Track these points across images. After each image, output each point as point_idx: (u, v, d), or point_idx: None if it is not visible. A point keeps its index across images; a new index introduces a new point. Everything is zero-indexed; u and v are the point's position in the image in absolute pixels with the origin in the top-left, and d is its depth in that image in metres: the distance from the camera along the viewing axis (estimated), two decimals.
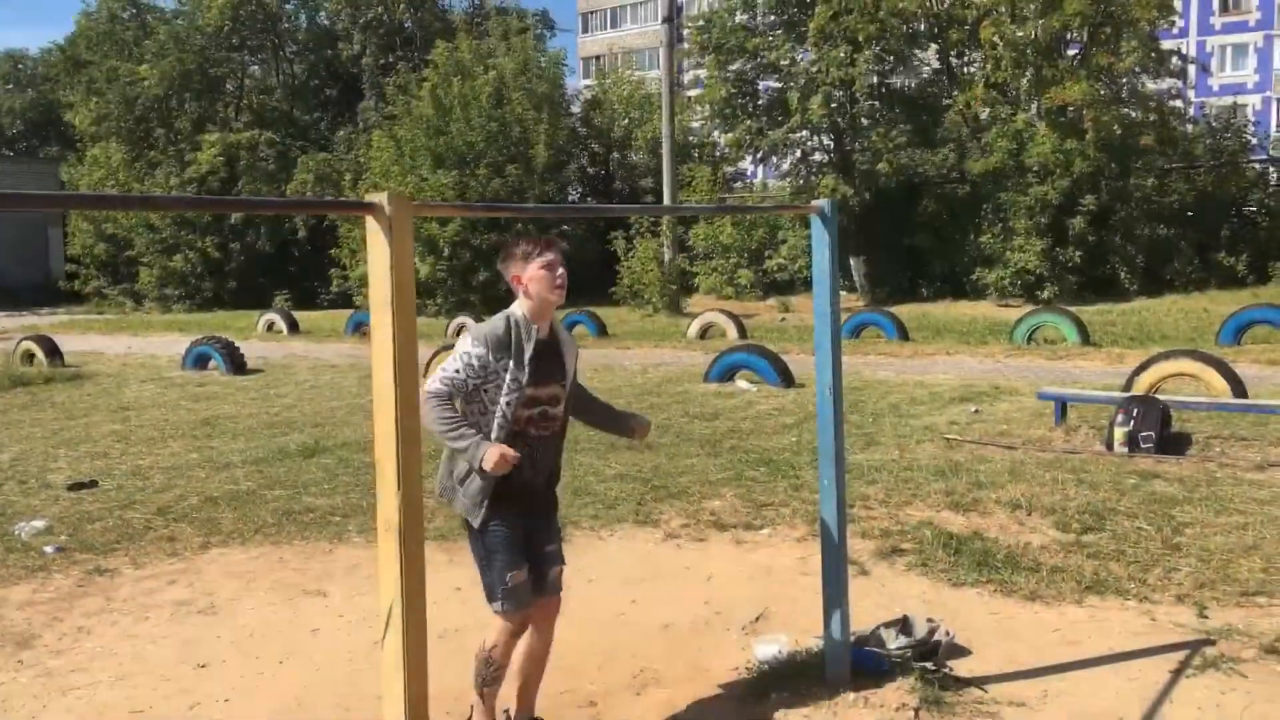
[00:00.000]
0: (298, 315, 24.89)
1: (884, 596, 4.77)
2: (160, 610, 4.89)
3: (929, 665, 3.91)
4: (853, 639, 4.03)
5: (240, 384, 13.23)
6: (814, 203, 3.69)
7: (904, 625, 4.21)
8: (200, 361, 14.83)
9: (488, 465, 3.20)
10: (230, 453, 8.45)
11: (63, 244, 43.58)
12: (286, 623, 4.73)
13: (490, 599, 3.40)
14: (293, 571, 5.39)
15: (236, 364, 14.39)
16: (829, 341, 3.65)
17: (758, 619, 4.60)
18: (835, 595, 3.76)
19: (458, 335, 20.64)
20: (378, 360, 2.18)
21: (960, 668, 3.98)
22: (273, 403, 11.52)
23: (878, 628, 4.21)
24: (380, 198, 2.15)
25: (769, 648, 4.18)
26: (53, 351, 15.89)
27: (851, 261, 28.27)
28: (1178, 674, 3.88)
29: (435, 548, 5.63)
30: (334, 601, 4.95)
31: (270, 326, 23.31)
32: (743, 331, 17.77)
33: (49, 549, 5.77)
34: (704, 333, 18.38)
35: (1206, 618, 4.39)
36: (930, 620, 4.23)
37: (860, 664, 3.89)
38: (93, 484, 7.38)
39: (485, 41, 33.95)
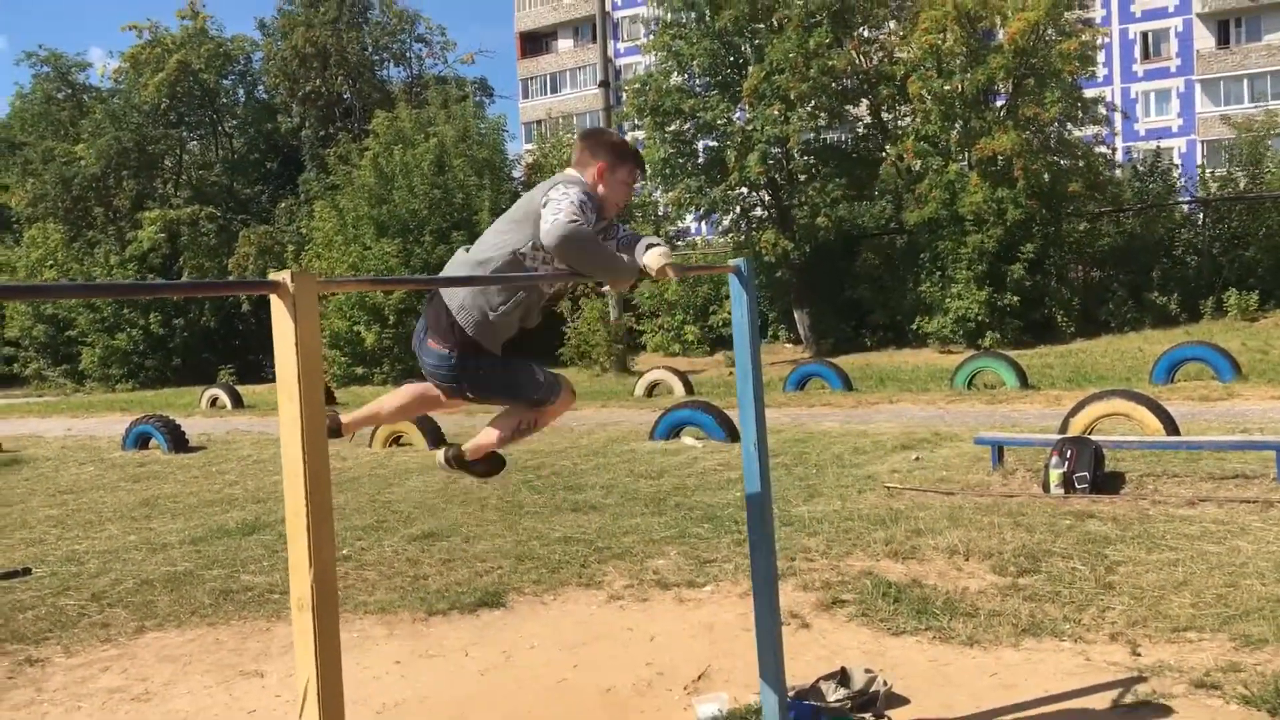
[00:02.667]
0: (242, 390, 24.61)
1: (825, 648, 4.79)
2: (93, 699, 4.78)
3: (867, 716, 3.92)
4: (792, 693, 4.05)
5: (182, 462, 13.04)
6: (730, 262, 3.76)
7: (842, 677, 4.23)
8: (141, 441, 14.60)
9: (655, 267, 3.40)
10: (169, 533, 8.31)
11: None
12: (223, 706, 4.64)
13: (539, 399, 3.62)
14: (229, 652, 5.30)
15: (178, 442, 14.18)
16: (751, 398, 3.70)
17: (699, 678, 4.59)
18: (770, 651, 3.77)
19: None
20: (286, 438, 2.19)
21: (899, 717, 4.00)
22: (214, 480, 11.36)
23: (817, 681, 4.22)
24: (283, 275, 2.17)
25: (709, 706, 4.17)
26: None
27: (795, 314, 28.64)
28: (1111, 712, 3.93)
29: (375, 621, 5.58)
30: (271, 681, 4.87)
31: (214, 402, 23.02)
32: (689, 388, 17.86)
33: None
34: (651, 390, 18.44)
35: (1139, 655, 4.45)
36: (868, 670, 4.25)
37: (799, 718, 3.89)
38: (26, 572, 7.20)
39: (425, 110, 34.20)
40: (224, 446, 14.50)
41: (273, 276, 2.18)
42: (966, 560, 5.97)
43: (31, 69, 43.11)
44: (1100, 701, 4.02)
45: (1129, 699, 4.01)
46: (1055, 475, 7.52)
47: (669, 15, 28.56)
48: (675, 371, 19.18)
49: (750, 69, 26.95)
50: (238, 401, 22.55)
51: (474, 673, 4.83)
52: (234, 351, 37.45)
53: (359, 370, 30.17)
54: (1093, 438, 8.23)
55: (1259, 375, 14.79)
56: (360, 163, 32.24)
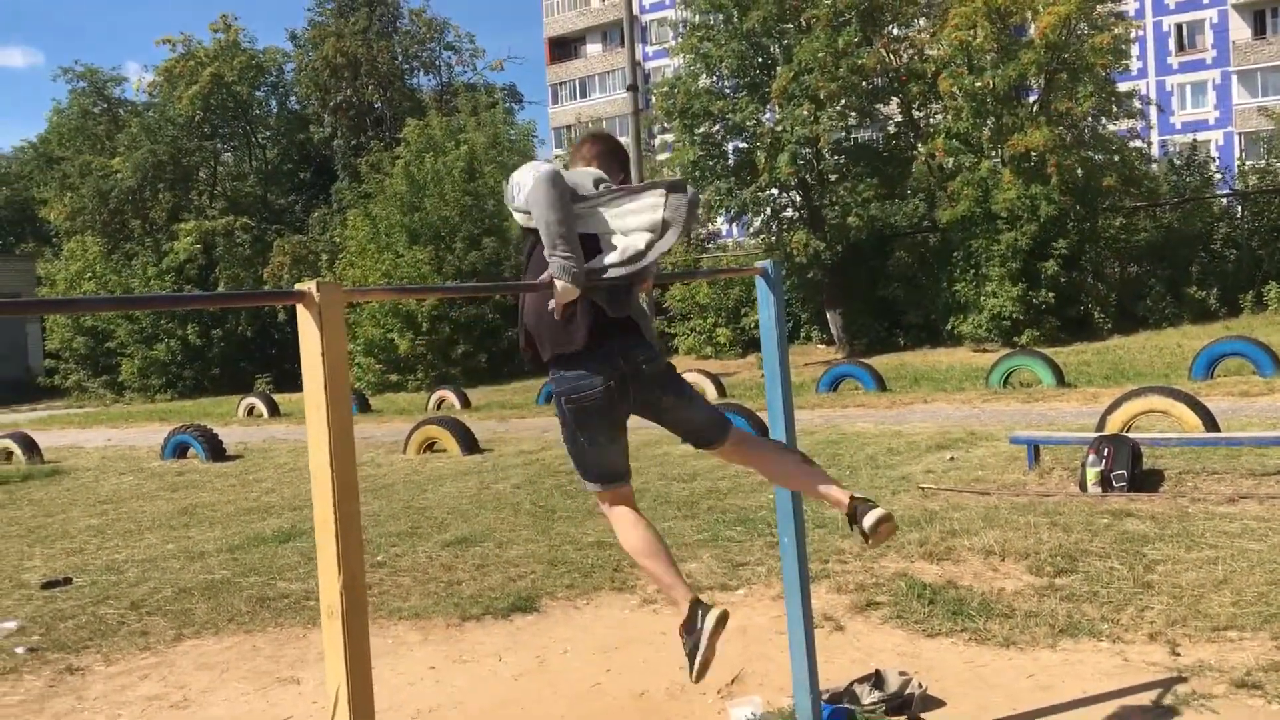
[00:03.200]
0: (278, 398, 24.85)
1: (859, 651, 4.76)
2: (132, 707, 4.84)
3: (902, 719, 3.90)
4: (826, 696, 4.03)
5: (219, 471, 13.18)
6: (757, 264, 3.75)
7: (877, 679, 4.20)
8: (179, 450, 14.77)
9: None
10: (206, 541, 8.40)
11: (41, 340, 43.57)
12: (260, 713, 4.68)
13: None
14: (266, 659, 5.34)
15: (215, 451, 14.34)
16: (780, 401, 3.70)
17: (733, 681, 4.58)
18: (803, 654, 3.76)
19: (439, 409, 20.62)
20: (314, 447, 2.21)
21: (934, 719, 3.97)
22: (251, 488, 11.47)
23: (851, 683, 4.20)
24: (309, 286, 2.20)
25: (743, 710, 4.16)
26: (31, 448, 15.82)
27: (828, 314, 28.53)
28: (1150, 713, 3.88)
29: (410, 627, 5.61)
30: (307, 689, 4.91)
31: (251, 411, 23.26)
32: (722, 390, 17.82)
33: (20, 649, 5.71)
34: None
35: (1178, 655, 4.40)
36: (903, 673, 4.23)
37: None
38: (67, 581, 7.32)
39: (455, 117, 34.40)
40: (261, 455, 14.65)
41: (299, 287, 2.21)
42: (1002, 561, 5.92)
43: (68, 84, 43.84)
44: (1139, 702, 3.97)
45: (1168, 700, 3.96)
46: (1092, 474, 7.44)
47: (696, 17, 28.55)
48: (708, 374, 19.15)
49: (779, 69, 26.89)
50: (274, 410, 22.78)
51: (507, 678, 4.84)
52: (270, 360, 37.82)
53: (393, 377, 30.37)
54: (1130, 435, 8.13)
55: None
56: (392, 170, 32.47)
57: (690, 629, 3.25)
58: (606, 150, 3.60)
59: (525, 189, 3.15)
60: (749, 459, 3.58)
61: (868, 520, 3.22)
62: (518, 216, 3.30)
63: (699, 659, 3.20)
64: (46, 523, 10.14)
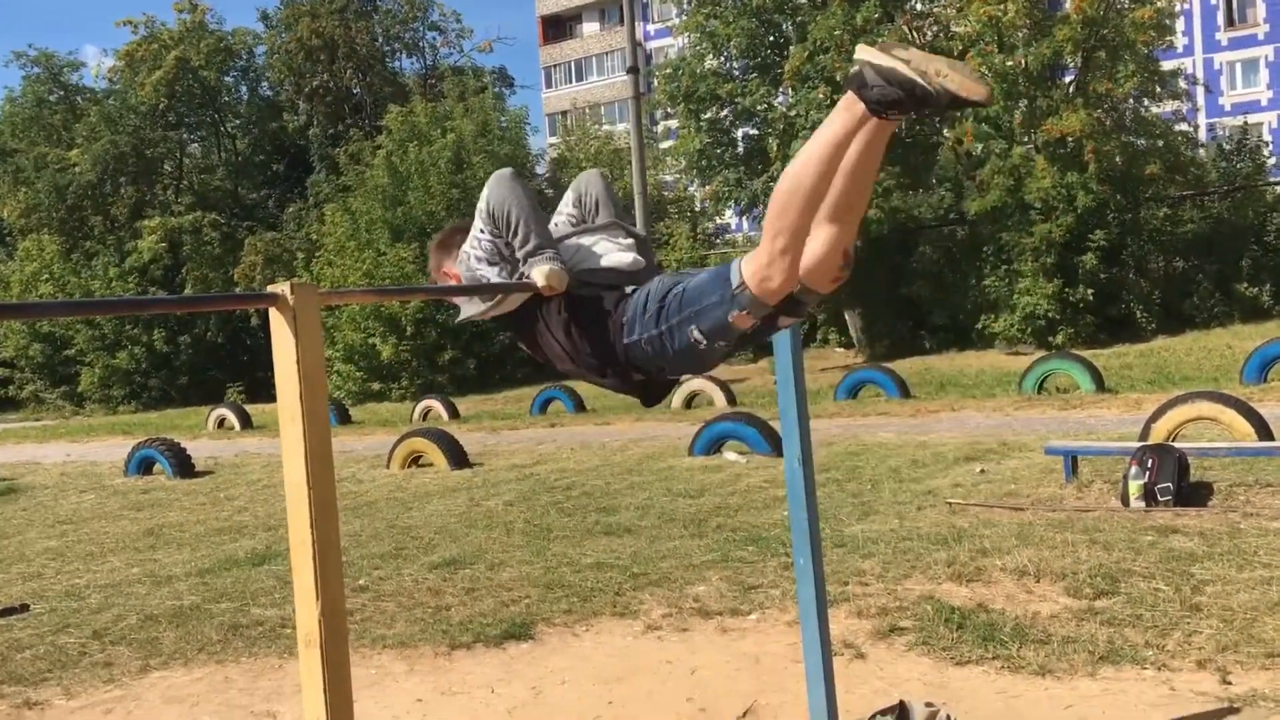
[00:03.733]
0: (251, 409, 24.89)
1: (882, 680, 4.77)
2: None
3: None
4: None
5: (188, 488, 13.22)
6: None
7: (901, 711, 4.20)
8: (144, 466, 14.80)
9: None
10: (174, 564, 8.42)
11: None
12: None
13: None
14: (239, 692, 5.36)
15: (183, 467, 14.37)
16: (794, 410, 3.71)
17: (745, 714, 4.59)
18: (820, 684, 3.77)
19: (424, 420, 20.66)
20: (289, 462, 2.22)
21: None
22: (222, 506, 11.50)
23: (874, 716, 4.21)
24: (282, 288, 2.21)
25: None
26: None
27: (846, 315, 28.55)
28: None
29: (394, 656, 5.63)
30: None
31: (221, 423, 23.30)
32: (731, 398, 17.85)
33: None
34: (690, 402, 18.44)
35: (1229, 684, 4.40)
36: (929, 704, 4.23)
37: None
38: (24, 609, 7.34)
39: (441, 104, 34.47)
40: (232, 470, 14.68)
41: (271, 289, 2.22)
42: (1037, 582, 5.92)
43: (21, 70, 43.93)
44: None
45: None
46: (1135, 487, 7.44)
47: None
48: (716, 381, 19.16)
49: (792, 49, 26.91)
50: (246, 421, 22.82)
51: (501, 711, 4.86)
52: (242, 368, 37.87)
53: (375, 386, 30.40)
54: (1177, 445, 8.14)
55: None
56: (373, 161, 32.53)
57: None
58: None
59: (485, 199, 3.16)
60: None
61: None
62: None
63: None
64: (1, 545, 10.17)
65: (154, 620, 6.73)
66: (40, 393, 40.81)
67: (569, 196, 3.44)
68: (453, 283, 3.29)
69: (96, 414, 37.40)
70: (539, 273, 3.02)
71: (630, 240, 3.26)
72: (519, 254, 3.10)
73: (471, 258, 3.19)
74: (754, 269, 2.70)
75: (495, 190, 3.16)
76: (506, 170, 3.21)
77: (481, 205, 3.20)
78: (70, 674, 5.83)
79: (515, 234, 3.10)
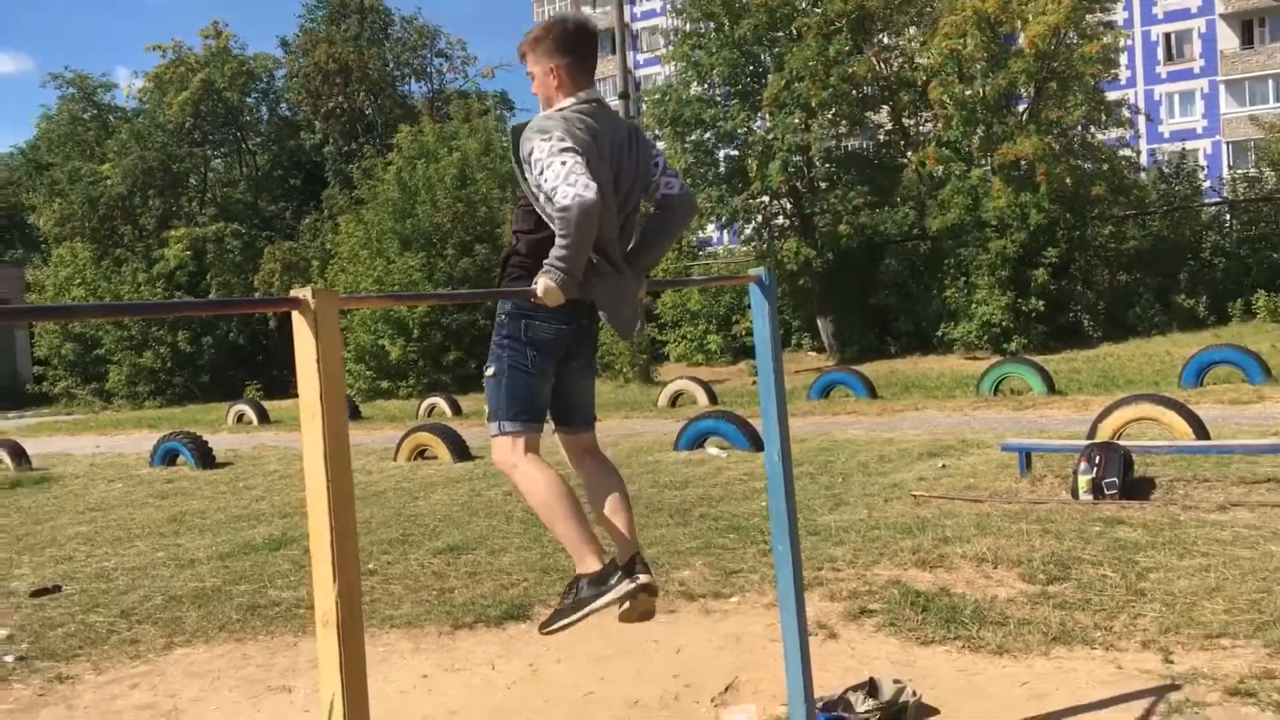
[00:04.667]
0: (268, 405, 24.77)
1: (853, 659, 4.76)
2: (122, 716, 4.81)
3: None
4: (821, 704, 4.02)
5: (209, 478, 13.13)
6: (751, 271, 3.75)
7: (871, 688, 4.20)
8: (168, 457, 14.71)
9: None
10: (196, 549, 8.36)
11: (29, 346, 43.37)
12: None
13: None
14: (257, 668, 5.32)
15: (205, 458, 14.28)
16: (774, 408, 3.69)
17: (727, 690, 4.57)
18: (798, 662, 3.75)
19: (429, 415, 20.59)
20: (309, 455, 2.20)
21: None
22: (241, 495, 11.43)
23: (845, 692, 4.19)
24: (304, 292, 2.18)
25: (738, 718, 4.15)
26: (19, 455, 15.74)
27: (819, 322, 28.57)
28: None
29: (401, 635, 5.59)
30: (298, 697, 4.88)
31: (240, 418, 23.19)
32: (713, 397, 17.84)
33: (9, 658, 5.67)
34: (674, 401, 18.42)
35: (1172, 663, 4.40)
36: (897, 681, 4.22)
37: None
38: (56, 589, 7.27)
39: (448, 125, 34.39)
40: (250, 462, 14.59)
41: (294, 293, 2.19)
42: (995, 568, 5.92)
43: (58, 90, 43.67)
44: (1133, 710, 3.97)
45: (1162, 707, 3.97)
46: (1084, 481, 7.45)
47: (688, 25, 28.60)
48: (699, 381, 19.17)
49: (770, 77, 26.94)
50: (264, 417, 22.72)
51: (501, 686, 4.83)
52: (260, 367, 37.72)
53: (384, 384, 30.30)
54: (1121, 443, 8.15)
55: None
56: (384, 176, 32.44)
57: (598, 581, 3.08)
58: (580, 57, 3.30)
59: (554, 182, 2.92)
60: (584, 463, 3.41)
61: (640, 579, 3.08)
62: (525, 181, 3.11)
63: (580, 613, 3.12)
64: (35, 530, 10.08)
65: (177, 601, 6.68)
66: (71, 389, 40.55)
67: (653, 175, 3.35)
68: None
69: (124, 409, 37.18)
70: (544, 284, 2.96)
71: (638, 304, 3.25)
72: (554, 255, 2.95)
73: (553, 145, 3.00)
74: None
75: (573, 208, 2.88)
76: (594, 192, 2.90)
77: (535, 169, 3.03)
78: (99, 650, 5.77)
79: (563, 239, 2.93)
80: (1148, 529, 6.50)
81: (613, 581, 3.06)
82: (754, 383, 23.95)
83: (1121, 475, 7.41)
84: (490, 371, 3.23)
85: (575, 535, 3.13)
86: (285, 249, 37.67)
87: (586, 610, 3.11)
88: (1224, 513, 6.83)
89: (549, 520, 3.17)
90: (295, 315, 2.19)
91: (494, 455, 3.28)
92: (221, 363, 38.22)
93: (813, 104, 25.97)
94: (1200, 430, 9.00)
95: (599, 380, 26.30)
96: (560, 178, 2.90)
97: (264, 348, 38.94)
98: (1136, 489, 7.56)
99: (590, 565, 3.11)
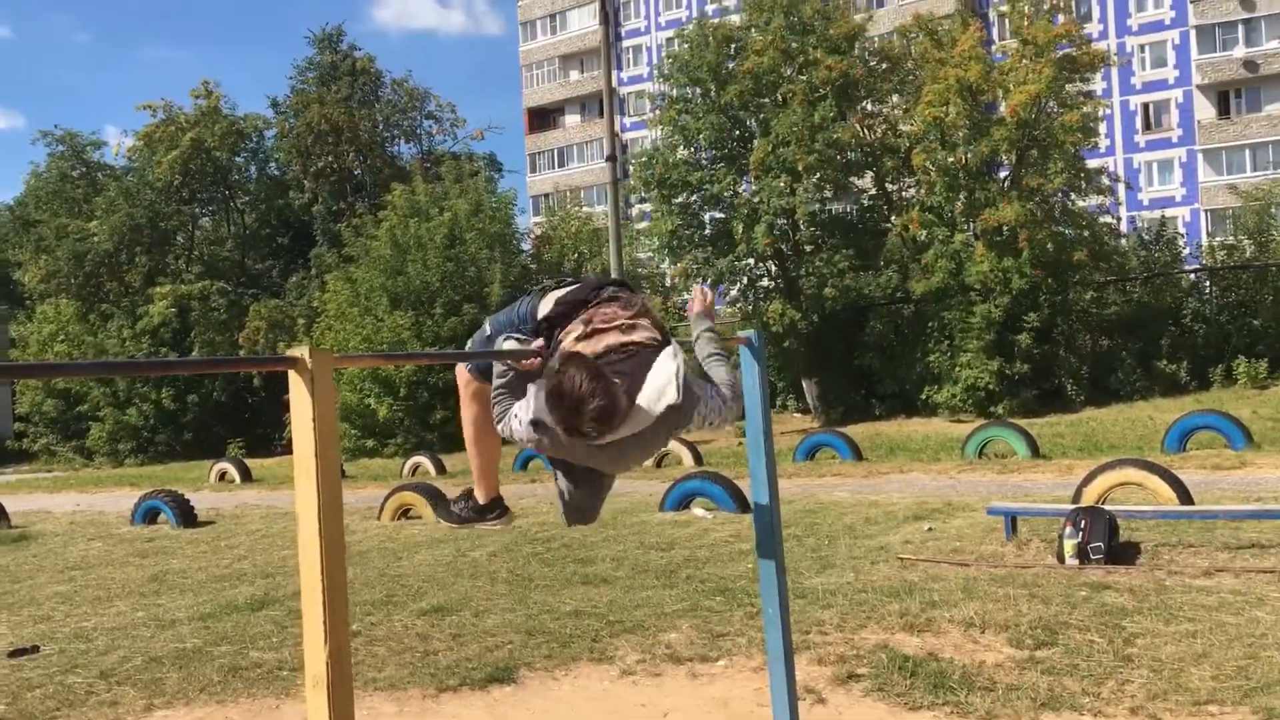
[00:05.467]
0: (251, 463, 24.62)
1: None
2: None
3: None
4: None
5: (190, 537, 13.01)
6: (739, 334, 3.79)
7: None
8: (149, 516, 14.57)
9: None
10: (177, 609, 8.26)
11: (10, 402, 43.11)
12: None
13: None
14: None
15: (186, 517, 14.15)
16: (764, 469, 3.71)
17: None
18: None
19: (413, 475, 20.48)
20: (303, 513, 2.20)
21: None
22: (223, 554, 11.32)
23: None
24: (301, 351, 2.20)
25: None
26: None
27: (804, 383, 28.63)
28: None
29: (385, 698, 5.53)
30: None
31: (222, 476, 23.03)
32: (698, 458, 17.82)
33: None
34: (660, 461, 18.37)
35: None
36: None
37: None
38: (34, 649, 7.17)
39: (440, 185, 34.63)
40: (233, 521, 14.47)
41: (290, 353, 2.21)
42: (983, 633, 5.90)
43: (47, 147, 43.80)
44: None
45: None
46: (1070, 546, 7.46)
47: (675, 91, 29.00)
48: (684, 442, 19.13)
49: (756, 142, 27.28)
50: (246, 475, 22.57)
51: None
52: (243, 425, 37.52)
53: (369, 443, 30.17)
54: (1106, 507, 8.17)
55: (1271, 444, 14.72)
56: (376, 233, 32.56)
57: (478, 510, 3.74)
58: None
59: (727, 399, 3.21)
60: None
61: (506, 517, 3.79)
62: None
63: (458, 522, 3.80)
64: (13, 589, 9.95)
65: (158, 662, 6.59)
66: (52, 446, 40.22)
67: None
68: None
69: (105, 466, 36.88)
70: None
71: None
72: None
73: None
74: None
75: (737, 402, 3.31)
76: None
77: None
78: (78, 712, 5.69)
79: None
80: (1134, 594, 6.50)
81: (488, 516, 3.77)
82: (740, 443, 23.93)
83: (1107, 540, 7.42)
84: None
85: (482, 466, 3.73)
86: (271, 307, 37.67)
87: (470, 528, 3.83)
88: (1209, 578, 6.84)
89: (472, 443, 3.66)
90: (292, 374, 2.21)
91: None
92: (205, 421, 38.03)
93: (799, 168, 26.28)
94: (1184, 495, 9.03)
95: None
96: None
97: (249, 405, 38.76)
98: (1122, 554, 7.57)
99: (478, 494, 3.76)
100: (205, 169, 42.54)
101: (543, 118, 64.02)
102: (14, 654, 7.05)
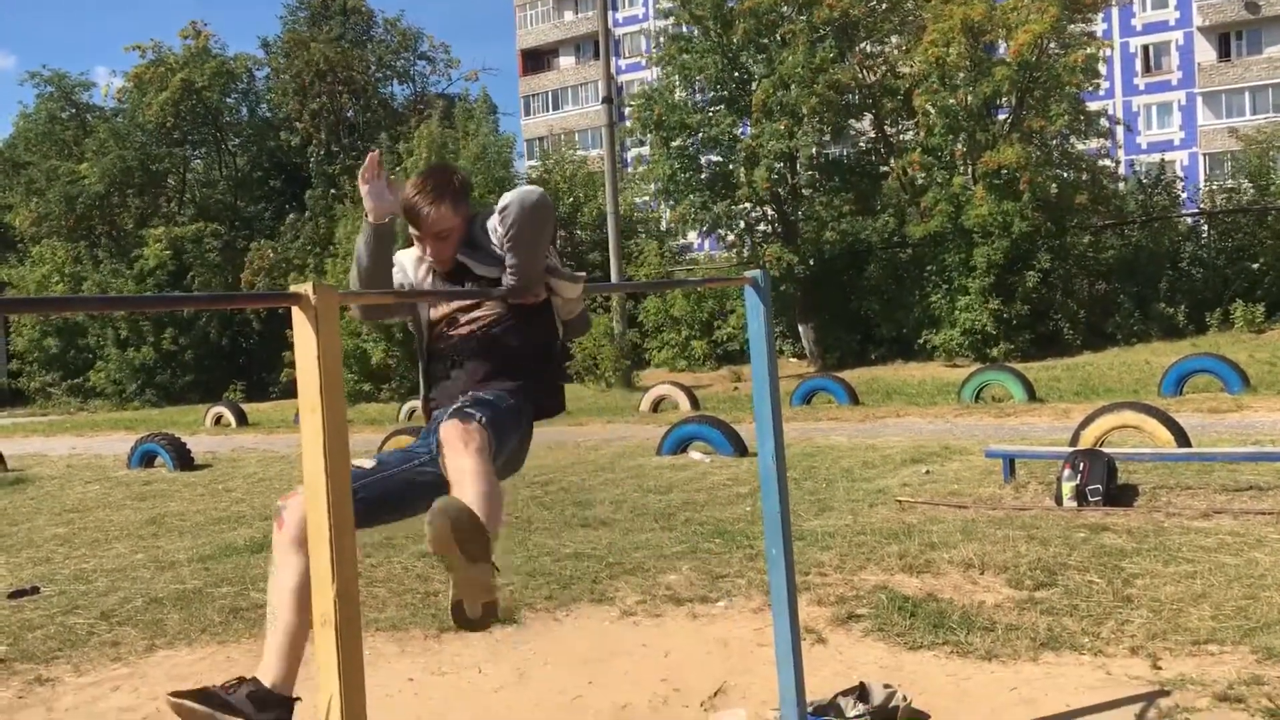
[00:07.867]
0: (246, 408, 24.61)
1: (842, 664, 4.74)
2: (104, 719, 4.75)
3: None
4: (811, 709, 4.01)
5: (187, 480, 13.02)
6: (746, 274, 3.74)
7: (861, 692, 4.19)
8: (146, 459, 14.58)
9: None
10: (176, 551, 8.28)
11: (5, 341, 42.99)
12: None
13: None
14: (241, 671, 5.24)
15: (183, 460, 14.16)
16: (769, 410, 3.68)
17: (716, 694, 4.55)
18: (790, 666, 3.73)
19: (410, 419, 20.49)
20: (308, 452, 2.16)
21: None
22: (221, 497, 11.34)
23: (836, 696, 4.18)
24: (305, 288, 2.15)
25: None
26: None
27: (800, 328, 28.62)
28: None
29: (387, 638, 5.54)
30: None
31: (218, 420, 23.02)
32: (695, 403, 17.82)
33: None
34: (656, 406, 18.40)
35: (1160, 669, 4.41)
36: (887, 686, 4.21)
37: None
38: (34, 591, 7.19)
39: (449, 129, 34.29)
40: (229, 464, 14.48)
41: (294, 289, 2.16)
42: (982, 574, 5.93)
43: (35, 89, 43.26)
44: (1122, 716, 3.97)
45: (1151, 713, 3.97)
46: (1068, 488, 7.48)
47: (677, 26, 28.65)
48: (681, 386, 19.14)
49: (758, 83, 26.99)
50: (242, 419, 22.55)
51: (488, 690, 4.79)
52: (240, 370, 37.51)
53: (365, 387, 30.18)
54: (1104, 450, 8.18)
55: (1268, 387, 14.74)
56: (401, 167, 32.27)
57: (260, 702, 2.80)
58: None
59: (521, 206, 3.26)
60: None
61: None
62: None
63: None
64: (11, 532, 9.97)
65: (158, 603, 6.61)
66: (49, 386, 40.14)
67: None
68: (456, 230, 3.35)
69: (102, 410, 36.87)
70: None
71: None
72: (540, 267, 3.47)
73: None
74: None
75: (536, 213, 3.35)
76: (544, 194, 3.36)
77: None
78: (79, 652, 5.70)
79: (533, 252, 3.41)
80: (1132, 536, 6.52)
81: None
82: (735, 388, 23.98)
83: (1105, 482, 7.44)
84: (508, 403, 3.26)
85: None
86: (270, 247, 37.47)
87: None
88: (1207, 520, 6.86)
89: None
90: (296, 311, 2.16)
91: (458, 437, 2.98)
92: (203, 364, 37.99)
93: (803, 111, 26.03)
94: (1182, 438, 9.04)
95: (582, 384, 26.14)
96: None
97: (244, 350, 38.70)
98: (1120, 496, 7.59)
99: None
100: (196, 110, 42.06)
101: (537, 60, 63.32)
102: (14, 595, 7.07)
